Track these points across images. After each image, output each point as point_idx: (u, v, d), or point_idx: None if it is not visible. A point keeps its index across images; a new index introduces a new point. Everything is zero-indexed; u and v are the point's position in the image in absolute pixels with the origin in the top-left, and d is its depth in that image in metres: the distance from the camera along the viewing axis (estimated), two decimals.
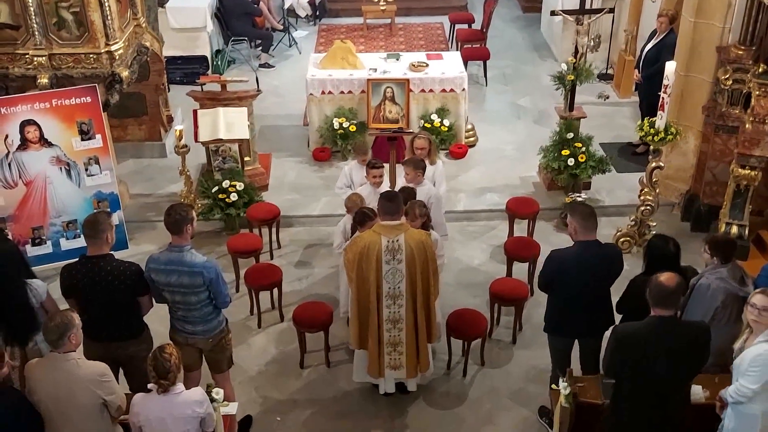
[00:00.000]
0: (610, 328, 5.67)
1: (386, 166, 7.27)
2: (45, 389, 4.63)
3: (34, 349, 5.32)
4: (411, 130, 9.40)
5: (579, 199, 8.32)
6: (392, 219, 5.69)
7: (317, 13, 13.90)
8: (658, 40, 9.15)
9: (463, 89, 9.71)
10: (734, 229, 7.43)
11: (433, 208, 6.85)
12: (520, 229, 8.26)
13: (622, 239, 7.97)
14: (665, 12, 9.13)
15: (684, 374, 4.67)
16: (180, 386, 4.62)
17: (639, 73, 9.43)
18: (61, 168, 7.43)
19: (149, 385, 4.59)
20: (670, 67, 7.24)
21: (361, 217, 6.19)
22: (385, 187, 7.03)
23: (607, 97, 11.01)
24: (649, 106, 9.26)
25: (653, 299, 4.54)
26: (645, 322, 4.62)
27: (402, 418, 6.24)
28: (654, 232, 7.45)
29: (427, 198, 6.84)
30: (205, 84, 9.18)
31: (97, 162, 7.54)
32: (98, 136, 7.48)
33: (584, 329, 5.69)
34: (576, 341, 5.83)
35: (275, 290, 7.23)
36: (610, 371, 4.81)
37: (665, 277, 4.56)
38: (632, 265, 5.73)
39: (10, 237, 6.02)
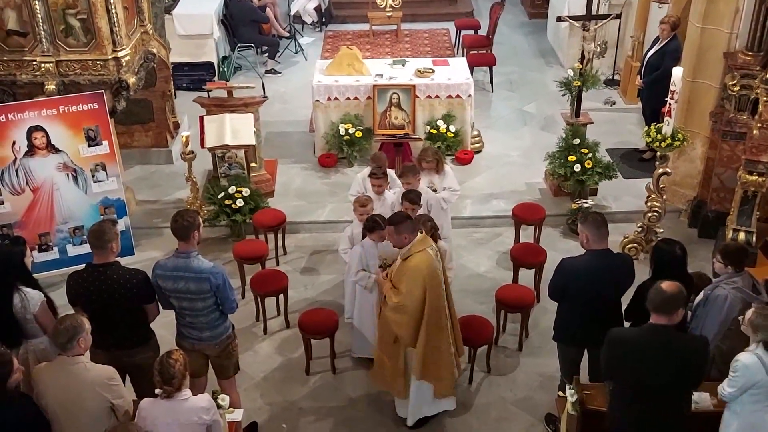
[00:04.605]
0: None
1: (391, 172, 7.29)
2: (53, 393, 4.64)
3: (23, 356, 5.29)
4: (417, 137, 9.44)
5: (585, 205, 8.31)
6: (417, 233, 5.65)
7: (323, 19, 13.93)
8: (661, 46, 9.17)
9: (469, 95, 9.71)
10: (741, 236, 7.40)
11: (433, 211, 6.89)
12: (527, 235, 8.24)
13: (629, 246, 7.94)
14: (667, 19, 9.14)
15: (676, 385, 4.62)
16: (187, 392, 4.61)
17: (641, 79, 9.44)
18: (67, 174, 7.44)
19: (156, 391, 4.59)
20: (677, 72, 7.23)
21: (372, 225, 6.19)
22: (388, 194, 7.04)
23: (614, 103, 11.00)
24: (652, 112, 9.30)
25: (651, 304, 4.55)
26: (639, 328, 4.65)
27: (407, 426, 6.22)
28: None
29: (426, 202, 6.84)
30: (211, 90, 9.21)
31: (103, 168, 7.55)
32: (105, 143, 7.49)
33: (594, 338, 5.64)
34: (585, 349, 5.80)
35: (281, 296, 7.23)
36: (604, 375, 4.86)
37: (666, 284, 4.55)
38: (640, 272, 5.70)
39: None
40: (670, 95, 7.26)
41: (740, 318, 4.90)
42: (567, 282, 5.51)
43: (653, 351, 4.49)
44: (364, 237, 6.34)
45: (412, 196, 6.55)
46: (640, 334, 4.60)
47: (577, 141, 8.61)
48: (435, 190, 7.20)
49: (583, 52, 8.42)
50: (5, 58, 7.32)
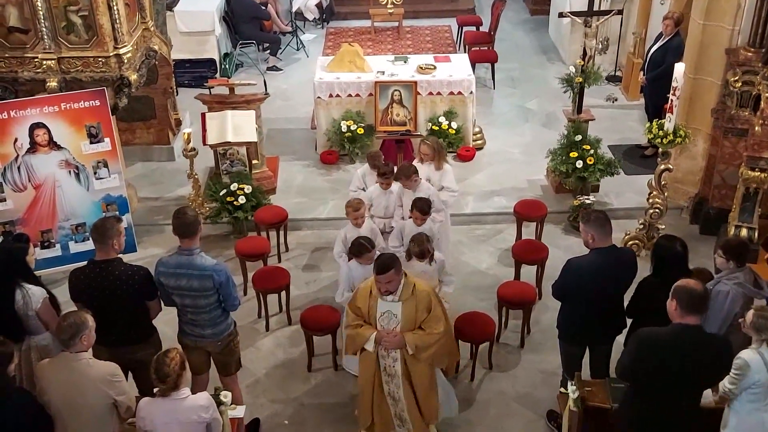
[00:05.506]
0: (624, 331, 5.67)
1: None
2: (56, 389, 4.65)
3: (25, 352, 5.31)
4: (419, 133, 9.44)
5: (587, 201, 8.30)
6: None
7: (325, 16, 13.92)
8: (664, 42, 9.17)
9: (471, 92, 9.70)
10: (743, 232, 7.39)
11: (433, 209, 6.84)
12: (528, 232, 8.23)
13: (630, 242, 7.94)
14: (671, 14, 9.14)
15: (700, 385, 4.62)
16: (185, 391, 4.61)
17: (644, 75, 9.44)
18: (69, 171, 7.44)
19: (155, 390, 4.60)
20: (679, 69, 7.22)
21: (358, 249, 6.07)
22: (394, 187, 7.02)
23: (616, 100, 10.98)
24: (654, 109, 9.30)
25: (685, 306, 4.41)
26: (669, 328, 4.51)
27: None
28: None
29: (428, 195, 6.80)
30: (213, 87, 9.23)
31: (105, 165, 7.55)
32: (107, 140, 7.49)
33: (597, 336, 5.65)
34: (587, 346, 5.80)
35: (283, 293, 7.24)
36: (626, 373, 4.69)
37: (693, 283, 4.49)
38: (641, 269, 5.70)
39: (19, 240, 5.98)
40: (672, 92, 7.25)
41: (740, 321, 4.89)
42: (574, 281, 5.47)
43: (684, 352, 4.41)
44: (350, 259, 6.25)
45: (422, 206, 6.44)
46: (674, 334, 4.47)
47: (578, 137, 8.60)
48: None
49: (584, 48, 8.41)
50: (7, 55, 7.31)
